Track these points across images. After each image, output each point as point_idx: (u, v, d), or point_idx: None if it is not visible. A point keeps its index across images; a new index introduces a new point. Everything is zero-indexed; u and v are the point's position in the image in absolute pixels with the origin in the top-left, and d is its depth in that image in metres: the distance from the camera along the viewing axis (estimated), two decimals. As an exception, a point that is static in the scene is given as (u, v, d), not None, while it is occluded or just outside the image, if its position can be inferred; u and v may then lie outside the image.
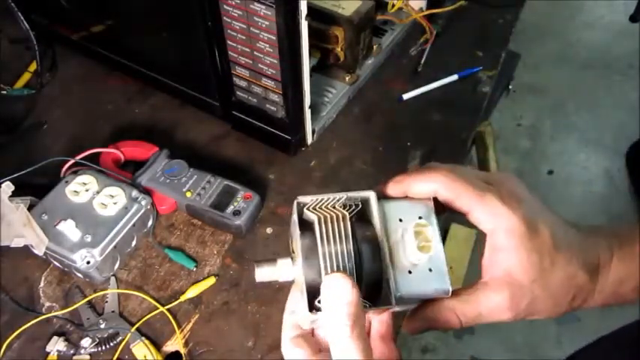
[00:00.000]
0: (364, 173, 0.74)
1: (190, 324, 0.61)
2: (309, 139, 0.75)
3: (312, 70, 0.68)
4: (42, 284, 0.63)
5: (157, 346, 0.60)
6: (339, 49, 0.77)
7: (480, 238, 0.42)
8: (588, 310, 0.43)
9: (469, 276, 1.63)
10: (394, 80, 0.85)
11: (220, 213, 0.65)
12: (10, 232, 0.58)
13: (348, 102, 0.82)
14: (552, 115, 2.11)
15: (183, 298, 0.62)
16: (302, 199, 0.40)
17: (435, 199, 0.41)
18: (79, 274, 0.62)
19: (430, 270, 0.39)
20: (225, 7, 0.60)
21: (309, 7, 0.58)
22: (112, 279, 0.64)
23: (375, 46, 0.83)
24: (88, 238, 0.60)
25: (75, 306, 0.61)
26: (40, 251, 0.59)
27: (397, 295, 0.38)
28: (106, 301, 0.62)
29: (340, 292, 0.34)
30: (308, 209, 0.39)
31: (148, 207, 0.65)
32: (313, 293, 0.37)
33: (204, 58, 0.68)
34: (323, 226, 0.38)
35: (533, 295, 0.39)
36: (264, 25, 0.59)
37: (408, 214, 0.40)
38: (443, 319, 0.40)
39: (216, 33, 0.64)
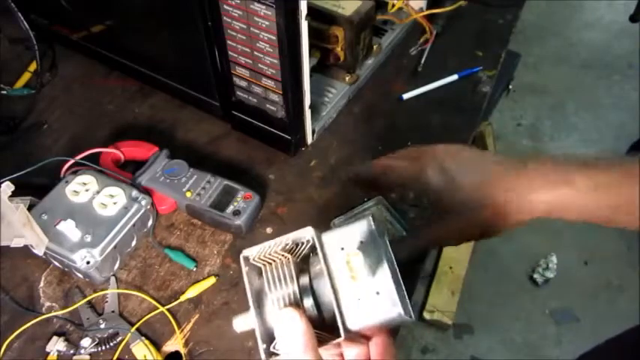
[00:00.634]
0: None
1: (190, 324, 0.61)
2: (309, 139, 0.75)
3: (312, 70, 0.68)
4: (42, 284, 0.63)
5: (157, 346, 0.60)
6: (339, 49, 0.77)
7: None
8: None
9: (469, 276, 1.63)
10: (394, 80, 0.85)
11: (220, 213, 0.65)
12: (10, 232, 0.57)
13: (348, 102, 0.82)
14: (552, 115, 2.11)
15: (183, 298, 0.62)
16: (246, 252, 0.41)
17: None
18: (79, 274, 0.62)
19: (378, 293, 0.38)
20: (225, 7, 0.60)
21: (309, 7, 0.58)
22: (112, 279, 0.64)
23: (375, 46, 0.83)
24: (88, 238, 0.60)
25: (75, 306, 0.61)
26: (40, 251, 0.59)
27: (347, 327, 0.37)
28: (106, 301, 0.62)
29: (291, 324, 0.37)
30: (254, 260, 0.40)
31: (148, 207, 0.65)
32: (271, 339, 0.39)
33: (204, 58, 0.68)
34: (269, 273, 0.39)
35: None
36: (264, 25, 0.59)
37: (349, 240, 0.39)
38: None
39: (216, 33, 0.64)
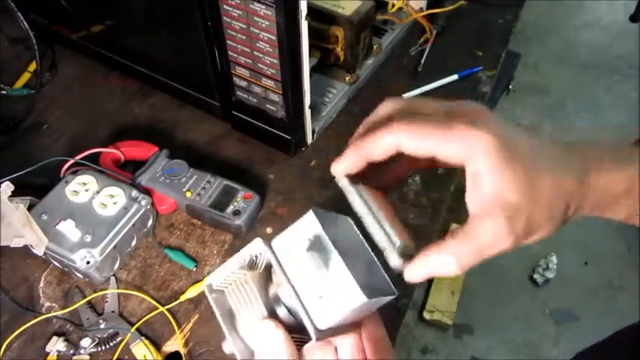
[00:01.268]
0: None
1: (190, 324, 0.61)
2: (309, 139, 0.75)
3: (312, 70, 0.68)
4: (42, 284, 0.63)
5: (157, 346, 0.60)
6: (339, 49, 0.77)
7: (461, 178, 0.38)
8: (582, 218, 0.39)
9: (469, 276, 1.63)
10: (394, 80, 0.85)
11: (220, 213, 0.65)
12: (10, 232, 0.57)
13: (348, 102, 0.82)
14: (552, 115, 2.11)
15: (183, 298, 0.62)
16: (209, 280, 0.41)
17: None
18: (79, 274, 0.62)
19: (336, 285, 0.36)
20: (225, 7, 0.60)
21: (309, 7, 0.58)
22: (112, 279, 0.64)
23: (375, 46, 0.83)
24: (88, 238, 0.60)
25: (75, 306, 0.61)
26: (40, 251, 0.59)
27: (316, 328, 0.37)
28: (106, 301, 0.62)
29: (268, 336, 0.37)
30: (217, 286, 0.41)
31: (148, 207, 0.65)
32: (252, 355, 0.39)
33: (204, 58, 0.68)
34: (232, 294, 0.40)
35: (529, 212, 0.35)
36: (264, 25, 0.59)
37: (298, 240, 0.38)
38: (442, 265, 0.36)
39: (216, 33, 0.64)
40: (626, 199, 0.39)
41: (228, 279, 0.40)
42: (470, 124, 0.35)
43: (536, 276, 1.68)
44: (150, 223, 0.66)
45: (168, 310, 0.62)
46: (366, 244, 0.39)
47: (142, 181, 0.68)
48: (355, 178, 0.38)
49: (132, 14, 0.73)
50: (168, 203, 0.68)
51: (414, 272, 0.37)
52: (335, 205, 0.69)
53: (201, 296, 0.63)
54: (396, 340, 0.51)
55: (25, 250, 0.60)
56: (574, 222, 0.40)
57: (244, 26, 0.61)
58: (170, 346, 0.60)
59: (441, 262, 0.36)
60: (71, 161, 0.67)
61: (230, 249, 0.67)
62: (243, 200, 0.66)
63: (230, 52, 0.65)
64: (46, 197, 0.64)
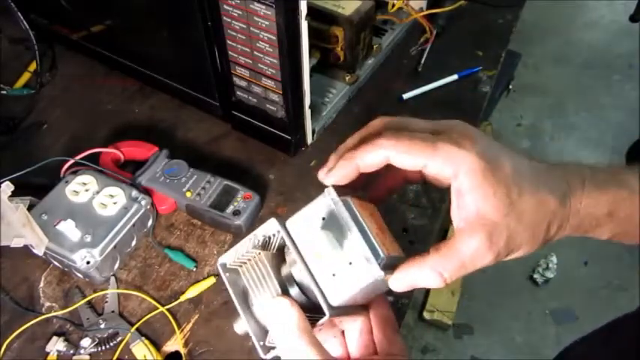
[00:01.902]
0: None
1: (190, 324, 0.61)
2: (309, 139, 0.75)
3: (312, 70, 0.68)
4: (42, 284, 0.63)
5: (157, 346, 0.60)
6: (339, 49, 0.77)
7: (447, 196, 0.39)
8: (565, 238, 0.41)
9: (469, 276, 1.63)
10: (394, 80, 0.85)
11: (220, 213, 0.65)
12: (10, 232, 0.57)
13: (348, 102, 0.82)
14: (552, 115, 2.11)
15: (183, 298, 0.62)
16: (222, 259, 0.41)
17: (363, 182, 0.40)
18: (79, 274, 0.62)
19: (350, 263, 0.37)
20: (225, 7, 0.60)
21: (309, 7, 0.58)
22: (112, 279, 0.64)
23: (375, 46, 0.83)
24: (88, 238, 0.60)
25: (75, 306, 0.61)
26: (40, 251, 0.59)
27: (329, 305, 0.38)
28: (106, 301, 0.62)
29: (282, 312, 0.37)
30: (231, 265, 0.41)
31: (148, 207, 0.65)
32: (265, 334, 0.40)
33: (204, 58, 0.68)
34: (247, 273, 0.40)
35: (509, 230, 0.37)
36: (264, 25, 0.59)
37: (312, 220, 0.39)
38: (425, 277, 0.38)
39: (216, 33, 0.64)
40: (609, 222, 0.40)
41: (241, 258, 0.41)
42: (455, 144, 0.37)
43: (536, 276, 1.68)
44: (150, 223, 0.66)
45: (168, 310, 0.62)
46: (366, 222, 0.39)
47: (142, 181, 0.68)
48: (344, 189, 0.39)
49: (132, 14, 0.73)
50: (168, 203, 0.68)
51: (397, 284, 0.38)
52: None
53: (202, 296, 0.63)
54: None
55: (25, 250, 0.60)
56: (557, 241, 0.41)
57: (244, 26, 0.61)
58: (170, 346, 0.60)
59: (423, 276, 0.38)
60: (71, 161, 0.67)
61: (230, 249, 0.67)
62: (243, 200, 0.66)
63: (230, 52, 0.65)
64: (46, 197, 0.64)
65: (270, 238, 0.40)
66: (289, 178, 0.73)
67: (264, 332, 0.40)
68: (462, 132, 0.38)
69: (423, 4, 0.88)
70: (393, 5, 0.85)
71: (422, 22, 0.87)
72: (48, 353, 0.58)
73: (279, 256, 0.41)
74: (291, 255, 0.39)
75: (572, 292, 1.67)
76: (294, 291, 0.40)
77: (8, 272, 0.64)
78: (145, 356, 0.58)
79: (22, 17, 0.76)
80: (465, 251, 0.37)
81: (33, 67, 0.82)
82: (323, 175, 0.40)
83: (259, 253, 0.40)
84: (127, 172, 0.70)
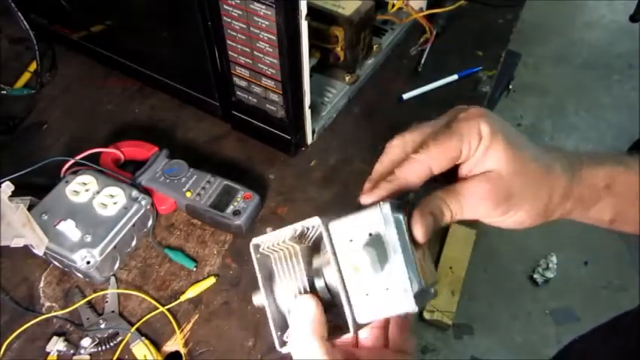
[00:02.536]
0: (364, 173, 0.73)
1: (190, 324, 0.61)
2: (309, 139, 0.75)
3: (312, 70, 0.68)
4: (42, 284, 0.63)
5: (157, 346, 0.60)
6: (339, 49, 0.77)
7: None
8: (568, 219, 0.43)
9: (469, 276, 1.63)
10: (394, 80, 0.85)
11: (220, 213, 0.65)
12: (10, 232, 0.57)
13: (348, 102, 0.82)
14: (552, 115, 2.11)
15: (183, 298, 0.62)
16: (256, 240, 0.41)
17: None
18: (79, 274, 0.62)
19: (387, 289, 0.37)
20: (225, 7, 0.60)
21: (309, 7, 0.58)
22: (112, 279, 0.64)
23: (375, 46, 0.83)
24: (88, 238, 0.60)
25: (75, 306, 0.61)
26: (40, 251, 0.59)
27: (355, 322, 0.37)
28: (106, 301, 0.62)
29: (304, 309, 0.38)
30: (264, 249, 0.41)
31: (148, 207, 0.65)
32: (284, 327, 0.40)
33: (205, 58, 0.68)
34: (278, 263, 0.40)
35: (513, 185, 0.39)
36: (264, 25, 0.59)
37: (358, 231, 0.37)
38: (438, 209, 0.39)
39: (216, 33, 0.64)
40: (608, 195, 0.42)
41: (276, 246, 0.40)
42: (466, 117, 0.40)
43: (536, 276, 1.68)
44: (150, 223, 0.66)
45: (168, 310, 0.62)
46: (412, 248, 0.39)
47: (142, 181, 0.68)
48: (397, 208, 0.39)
49: (132, 14, 0.73)
50: (168, 203, 0.68)
51: (420, 224, 0.39)
52: (335, 205, 0.69)
53: (202, 296, 0.63)
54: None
55: (25, 250, 0.60)
56: (560, 218, 0.42)
57: (244, 26, 0.61)
58: (170, 346, 0.60)
59: (434, 206, 0.39)
60: (71, 161, 0.67)
61: (230, 249, 0.67)
62: (243, 200, 0.66)
63: (230, 52, 0.65)
64: (46, 197, 0.64)
65: (308, 229, 0.40)
66: (289, 178, 0.73)
67: (283, 320, 0.40)
68: (468, 109, 0.41)
69: (423, 4, 0.88)
70: (393, 5, 0.85)
71: (422, 22, 0.87)
72: (48, 353, 0.58)
73: (312, 248, 0.41)
74: (327, 255, 0.38)
75: (573, 292, 1.67)
76: (319, 284, 0.39)
77: (8, 272, 0.64)
78: (145, 356, 0.58)
79: (22, 17, 0.76)
80: (467, 192, 0.40)
81: (33, 67, 0.82)
82: (365, 198, 0.40)
83: (294, 247, 0.40)
84: (127, 172, 0.70)
